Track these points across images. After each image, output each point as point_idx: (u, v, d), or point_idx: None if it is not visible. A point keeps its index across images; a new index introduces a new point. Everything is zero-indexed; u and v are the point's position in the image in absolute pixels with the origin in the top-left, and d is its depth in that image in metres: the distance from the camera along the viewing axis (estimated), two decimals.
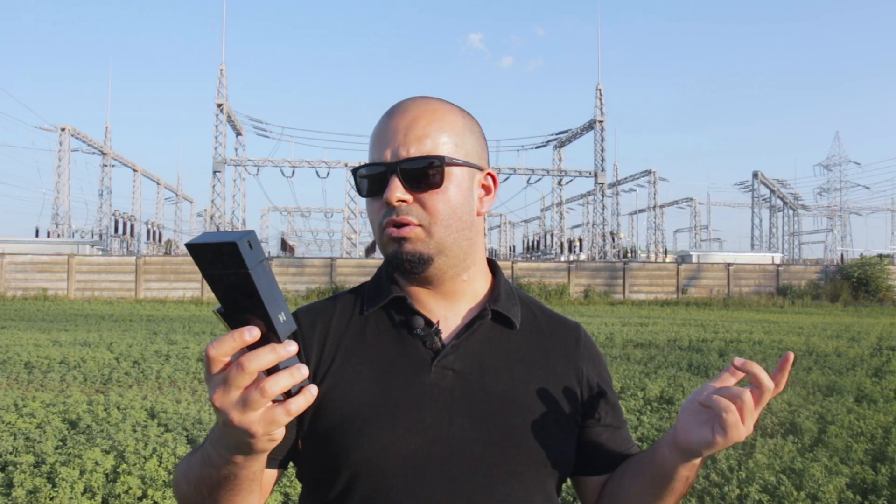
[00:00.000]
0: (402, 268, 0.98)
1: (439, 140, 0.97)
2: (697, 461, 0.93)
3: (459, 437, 0.95)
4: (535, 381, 1.01)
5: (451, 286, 1.03)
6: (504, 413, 0.97)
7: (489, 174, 1.05)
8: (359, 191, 1.01)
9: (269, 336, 0.69)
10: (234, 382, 0.68)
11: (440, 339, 1.00)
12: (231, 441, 0.76)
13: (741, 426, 0.84)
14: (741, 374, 0.87)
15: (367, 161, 1.03)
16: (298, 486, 4.06)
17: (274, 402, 0.71)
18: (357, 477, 0.94)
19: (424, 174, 0.95)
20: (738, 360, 0.86)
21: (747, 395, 0.83)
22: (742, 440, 0.85)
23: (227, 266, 0.65)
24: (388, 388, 0.97)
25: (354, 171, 1.01)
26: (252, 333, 0.68)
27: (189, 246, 0.65)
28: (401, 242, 0.96)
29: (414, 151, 0.95)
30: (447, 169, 0.97)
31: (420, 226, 0.96)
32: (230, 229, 34.57)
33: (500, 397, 0.98)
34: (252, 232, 0.66)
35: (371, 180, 0.98)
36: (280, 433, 0.73)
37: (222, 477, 0.82)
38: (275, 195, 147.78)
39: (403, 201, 0.95)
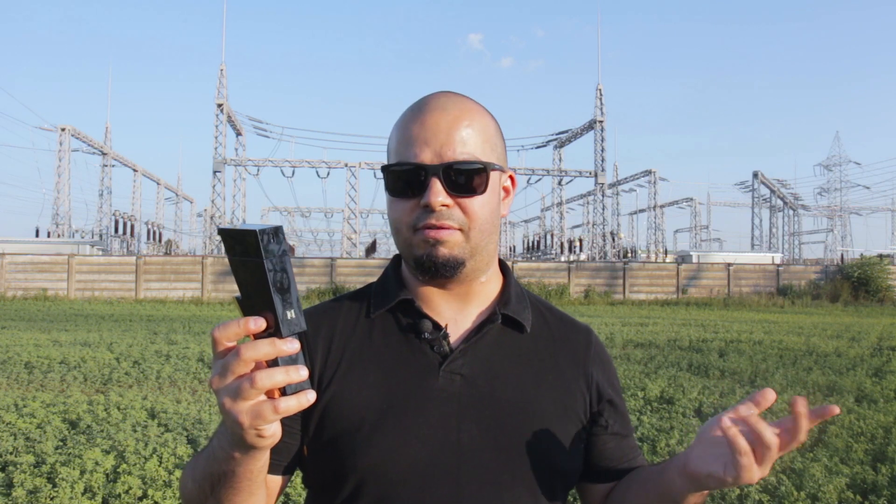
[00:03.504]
0: (434, 271, 0.95)
1: (480, 143, 0.94)
2: (706, 490, 0.89)
3: (467, 443, 0.93)
4: (544, 386, 1.00)
5: (468, 287, 1.01)
6: (512, 419, 0.96)
7: (510, 175, 1.04)
8: (389, 189, 0.96)
9: (277, 331, 0.69)
10: (230, 368, 0.69)
11: (448, 343, 0.98)
12: (227, 430, 0.76)
13: (755, 470, 0.79)
14: (765, 406, 0.80)
15: (385, 156, 1.00)
16: (298, 487, 4.07)
17: (270, 397, 0.70)
18: (364, 483, 0.92)
19: (471, 179, 0.92)
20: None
21: (773, 440, 0.78)
22: (755, 482, 0.80)
23: (246, 254, 0.68)
24: (396, 393, 0.95)
25: (385, 168, 0.96)
26: (257, 323, 0.68)
27: (220, 230, 0.70)
28: (436, 246, 0.93)
29: (460, 154, 0.92)
30: (489, 174, 0.94)
31: (459, 230, 0.93)
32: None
33: (509, 403, 0.96)
34: (278, 227, 0.68)
35: (405, 179, 0.93)
36: (271, 432, 0.73)
37: (222, 473, 0.82)
38: (275, 195, 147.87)
39: (445, 206, 0.92)
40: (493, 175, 0.96)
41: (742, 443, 0.78)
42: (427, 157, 0.92)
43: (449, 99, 0.97)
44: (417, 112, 0.95)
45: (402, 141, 0.95)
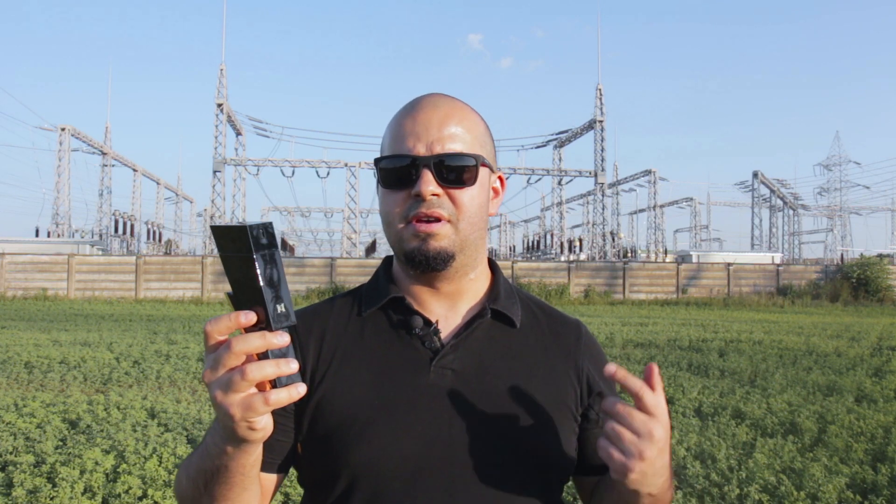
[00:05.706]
0: (425, 264, 0.97)
1: (469, 139, 0.98)
2: (651, 491, 0.87)
3: (459, 437, 0.94)
4: (535, 380, 1.01)
5: (458, 284, 1.03)
6: (504, 413, 0.96)
7: (499, 177, 1.08)
8: (381, 182, 0.99)
9: (267, 325, 0.71)
10: (222, 361, 0.71)
11: (439, 338, 0.99)
12: (220, 425, 0.77)
13: (627, 466, 0.81)
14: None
15: (379, 152, 1.02)
16: (298, 486, 4.06)
17: (261, 390, 0.72)
18: (357, 479, 0.93)
19: (461, 171, 0.96)
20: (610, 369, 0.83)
21: (625, 435, 0.82)
22: (635, 471, 0.82)
23: (236, 250, 0.69)
24: (387, 389, 0.96)
25: (377, 161, 1.00)
26: (248, 317, 0.70)
27: (212, 227, 0.71)
28: (426, 240, 0.96)
29: (450, 147, 0.96)
30: (479, 168, 0.98)
31: (449, 221, 0.96)
32: None
33: (500, 397, 0.97)
34: (269, 223, 0.70)
35: (397, 172, 0.96)
36: (262, 424, 0.74)
37: (215, 468, 0.83)
38: (275, 195, 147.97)
39: (436, 195, 0.95)
40: (483, 170, 1.00)
41: (605, 449, 0.83)
42: (419, 150, 0.95)
43: (440, 98, 1.01)
44: (410, 109, 1.00)
45: (394, 136, 0.99)
